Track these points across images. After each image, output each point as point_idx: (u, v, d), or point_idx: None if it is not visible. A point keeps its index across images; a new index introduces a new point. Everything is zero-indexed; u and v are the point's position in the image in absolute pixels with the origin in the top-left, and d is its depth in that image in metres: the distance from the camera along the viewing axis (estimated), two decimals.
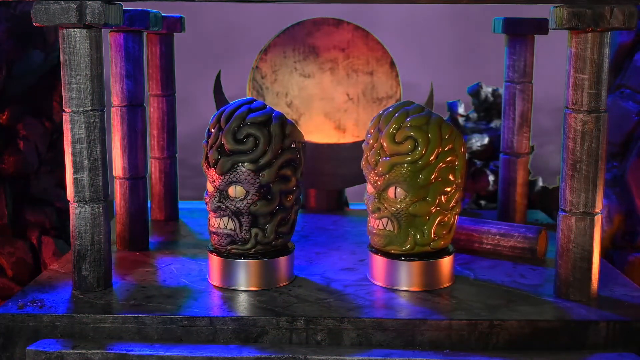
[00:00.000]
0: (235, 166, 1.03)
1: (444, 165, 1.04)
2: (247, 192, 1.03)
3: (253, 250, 1.05)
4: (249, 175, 1.02)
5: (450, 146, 1.04)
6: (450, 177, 1.04)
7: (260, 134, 1.02)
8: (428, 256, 1.06)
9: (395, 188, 1.04)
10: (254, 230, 1.04)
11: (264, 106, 1.05)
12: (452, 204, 1.06)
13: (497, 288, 1.08)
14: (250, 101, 1.06)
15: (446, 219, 1.06)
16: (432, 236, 1.05)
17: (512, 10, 1.40)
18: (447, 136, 1.04)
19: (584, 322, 0.97)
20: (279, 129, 1.03)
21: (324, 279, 1.11)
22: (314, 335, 0.97)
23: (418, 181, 1.03)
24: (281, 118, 1.04)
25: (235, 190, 1.03)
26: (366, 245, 1.14)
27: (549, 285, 1.08)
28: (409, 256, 1.06)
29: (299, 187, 1.08)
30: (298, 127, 1.07)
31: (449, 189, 1.05)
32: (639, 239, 1.30)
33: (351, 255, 1.22)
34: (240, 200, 1.03)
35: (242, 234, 1.04)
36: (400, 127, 1.04)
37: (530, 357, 0.94)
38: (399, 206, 1.04)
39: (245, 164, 1.02)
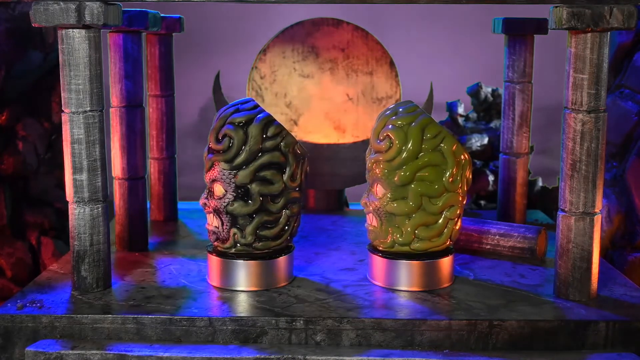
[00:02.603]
0: (214, 164, 1.04)
1: (428, 167, 1.03)
2: (226, 191, 1.04)
3: (233, 250, 1.06)
4: (224, 174, 1.03)
5: (436, 148, 1.03)
6: (437, 179, 1.03)
7: (235, 134, 1.02)
8: (428, 256, 1.06)
9: (377, 185, 1.05)
10: (232, 230, 1.04)
11: (254, 107, 1.05)
12: (442, 208, 1.04)
13: (497, 288, 1.08)
14: (245, 102, 1.06)
15: (433, 222, 1.05)
16: (412, 237, 1.05)
17: (512, 10, 1.40)
18: (433, 137, 1.03)
19: (583, 322, 0.96)
20: (257, 131, 1.02)
21: (324, 279, 1.11)
22: (314, 336, 0.96)
23: (394, 180, 1.03)
24: (264, 120, 1.03)
25: (217, 189, 1.05)
26: (365, 245, 1.14)
27: (548, 285, 1.08)
28: (396, 255, 1.06)
29: (291, 191, 1.05)
30: (287, 130, 1.05)
31: (434, 192, 1.04)
32: (638, 239, 1.30)
33: (350, 255, 1.22)
34: (219, 199, 1.04)
35: (224, 232, 1.05)
36: (384, 126, 1.05)
37: (530, 357, 0.94)
38: (378, 203, 1.05)
39: (221, 163, 1.03)
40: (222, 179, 1.04)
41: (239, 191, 1.03)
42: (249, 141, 1.02)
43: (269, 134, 1.03)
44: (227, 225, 1.04)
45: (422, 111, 1.05)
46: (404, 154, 1.03)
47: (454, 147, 1.04)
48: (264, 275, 1.06)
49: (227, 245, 1.05)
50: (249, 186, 1.03)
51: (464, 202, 1.08)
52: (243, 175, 1.02)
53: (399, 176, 1.03)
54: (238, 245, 1.05)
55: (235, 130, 1.02)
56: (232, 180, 1.03)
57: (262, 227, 1.04)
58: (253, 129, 1.02)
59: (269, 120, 1.04)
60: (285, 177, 1.04)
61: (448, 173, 1.03)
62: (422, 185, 1.03)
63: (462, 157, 1.05)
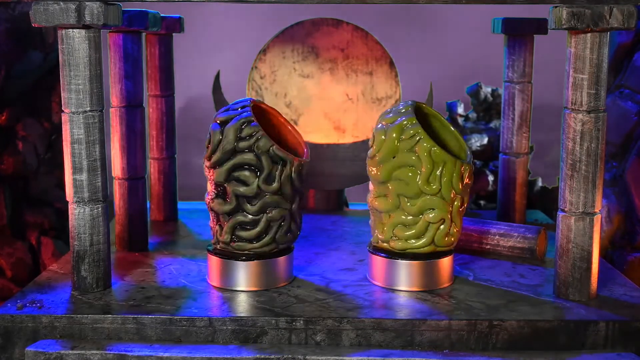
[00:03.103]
0: (202, 162, 1.06)
1: (403, 167, 1.03)
2: (211, 188, 1.06)
3: (218, 246, 1.07)
4: (205, 171, 1.06)
5: (411, 149, 1.03)
6: (412, 180, 1.03)
7: (214, 133, 1.04)
8: (428, 256, 1.06)
9: (370, 182, 1.08)
10: (216, 227, 1.06)
11: (243, 107, 1.05)
12: (419, 209, 1.04)
13: (497, 288, 1.08)
14: (240, 102, 1.07)
15: (411, 223, 1.05)
16: (391, 235, 1.06)
17: (512, 10, 1.40)
18: (408, 138, 1.03)
19: (583, 322, 0.97)
20: (231, 131, 1.02)
21: (323, 279, 1.11)
22: (313, 336, 0.97)
23: (375, 177, 1.06)
24: (242, 121, 1.03)
25: (208, 186, 1.07)
26: (365, 245, 1.14)
27: (548, 285, 1.08)
28: (396, 255, 1.07)
29: (268, 195, 1.03)
30: (265, 133, 1.03)
31: (410, 192, 1.03)
32: (638, 239, 1.30)
33: (350, 255, 1.22)
34: (207, 196, 1.06)
35: (213, 228, 1.07)
36: (376, 124, 1.07)
37: (530, 357, 0.94)
38: (368, 199, 1.08)
39: (205, 160, 1.05)
40: (205, 175, 1.06)
41: (219, 189, 1.04)
42: (222, 140, 1.03)
43: (242, 134, 1.02)
44: (214, 221, 1.07)
45: (411, 112, 1.05)
46: (381, 153, 1.04)
47: (432, 149, 1.02)
48: (264, 275, 1.06)
49: (213, 241, 1.08)
50: (225, 185, 1.04)
51: (459, 209, 1.05)
52: (218, 173, 1.03)
53: (377, 173, 1.05)
54: (219, 243, 1.06)
55: (214, 129, 1.04)
56: (212, 178, 1.05)
57: (240, 227, 1.05)
58: (229, 129, 1.03)
59: (247, 121, 1.03)
60: (259, 179, 1.03)
61: (420, 175, 1.03)
62: (399, 184, 1.04)
63: (443, 161, 1.02)
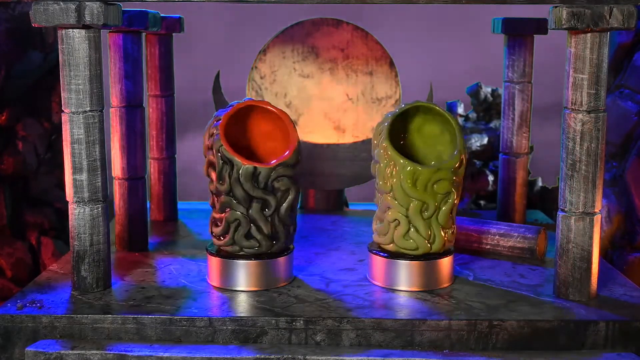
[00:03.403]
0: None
1: (376, 164, 1.06)
2: None
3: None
4: None
5: (378, 145, 1.06)
6: (381, 177, 1.05)
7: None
8: (428, 256, 1.06)
9: None
10: None
11: (229, 106, 1.07)
12: (384, 205, 1.05)
13: (497, 288, 1.08)
14: (241, 101, 1.08)
15: (381, 219, 1.07)
16: (374, 227, 1.09)
17: (512, 10, 1.40)
18: (378, 134, 1.06)
19: (583, 322, 0.97)
20: (207, 128, 1.06)
21: (323, 280, 1.11)
22: (313, 336, 0.97)
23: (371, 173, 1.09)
24: (215, 119, 1.06)
25: None
26: (365, 245, 1.14)
27: (548, 285, 1.08)
28: (396, 255, 1.07)
29: (222, 194, 1.03)
30: (221, 133, 1.03)
31: (381, 188, 1.06)
32: (638, 239, 1.30)
33: (350, 255, 1.22)
34: None
35: None
36: None
37: (530, 357, 0.94)
38: None
39: None
40: None
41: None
42: (204, 137, 1.06)
43: (211, 132, 1.05)
44: None
45: (396, 112, 1.07)
46: (371, 149, 1.08)
47: (386, 147, 1.04)
48: (264, 275, 1.06)
49: None
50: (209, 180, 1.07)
51: (421, 213, 1.03)
52: (204, 168, 1.07)
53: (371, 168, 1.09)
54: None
55: (207, 127, 1.07)
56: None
57: (213, 222, 1.07)
58: (207, 127, 1.06)
59: (216, 119, 1.05)
60: (218, 178, 1.04)
61: (384, 172, 1.05)
62: (378, 179, 1.06)
63: (393, 161, 1.03)
